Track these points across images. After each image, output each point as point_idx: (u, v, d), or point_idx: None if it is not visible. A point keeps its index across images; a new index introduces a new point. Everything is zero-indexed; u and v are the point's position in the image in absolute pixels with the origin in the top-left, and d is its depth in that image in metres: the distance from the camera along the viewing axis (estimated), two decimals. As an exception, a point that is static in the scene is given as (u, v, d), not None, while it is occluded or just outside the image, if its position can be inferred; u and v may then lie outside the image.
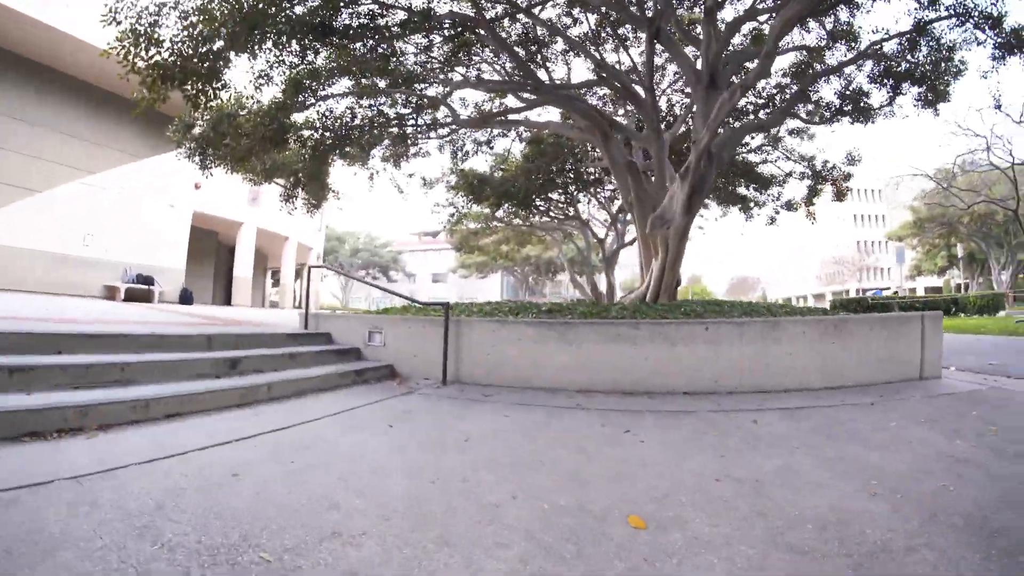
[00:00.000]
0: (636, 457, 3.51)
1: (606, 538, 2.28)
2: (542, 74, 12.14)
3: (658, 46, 10.41)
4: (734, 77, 10.09)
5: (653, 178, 10.83)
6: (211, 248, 24.52)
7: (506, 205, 18.71)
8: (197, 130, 10.81)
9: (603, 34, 12.70)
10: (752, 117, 13.59)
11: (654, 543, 2.25)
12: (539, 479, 3.01)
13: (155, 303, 16.64)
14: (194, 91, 7.59)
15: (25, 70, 15.73)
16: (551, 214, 21.30)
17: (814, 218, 16.83)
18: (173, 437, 3.40)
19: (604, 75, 11.22)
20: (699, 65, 9.31)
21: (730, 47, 10.37)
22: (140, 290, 17.12)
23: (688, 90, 12.36)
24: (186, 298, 18.40)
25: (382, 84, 10.65)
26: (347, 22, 8.80)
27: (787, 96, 12.78)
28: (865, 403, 5.20)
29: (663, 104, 14.62)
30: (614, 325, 6.02)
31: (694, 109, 9.61)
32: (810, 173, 16.17)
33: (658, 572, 2.04)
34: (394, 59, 10.42)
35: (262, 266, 28.03)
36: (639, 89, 11.17)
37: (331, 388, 5.64)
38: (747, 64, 10.94)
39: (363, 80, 10.38)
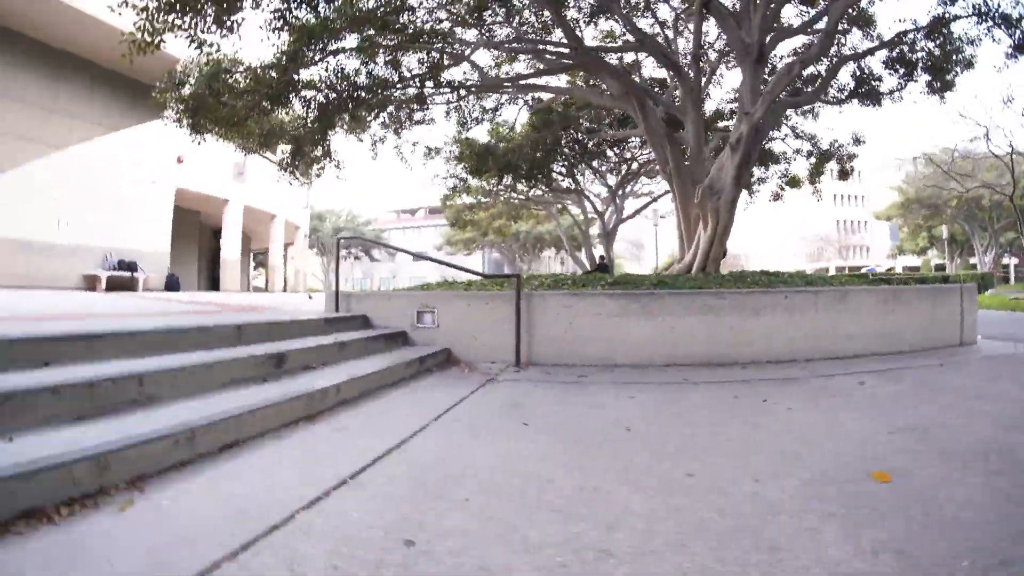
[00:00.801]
0: (803, 423, 3.50)
1: (872, 495, 2.24)
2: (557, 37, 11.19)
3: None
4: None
5: (686, 150, 10.61)
6: (194, 229, 22.91)
7: (508, 177, 18.07)
8: (187, 89, 9.51)
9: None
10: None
11: (911, 487, 2.29)
12: (757, 459, 2.76)
13: (140, 291, 15.29)
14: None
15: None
16: (551, 187, 20.78)
17: (820, 195, 17.84)
18: (249, 486, 2.24)
19: (642, 42, 10.33)
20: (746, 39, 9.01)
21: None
22: (123, 278, 15.60)
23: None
24: (173, 284, 16.97)
25: (392, 41, 9.58)
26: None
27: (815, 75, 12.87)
28: (934, 365, 5.57)
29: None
30: (699, 295, 5.86)
31: (739, 83, 9.63)
32: (815, 151, 16.76)
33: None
34: (407, 13, 9.36)
35: (246, 247, 26.57)
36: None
37: (399, 382, 4.75)
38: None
39: (373, 35, 9.27)
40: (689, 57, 11.48)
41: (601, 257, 21.41)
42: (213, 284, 24.03)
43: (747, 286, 6.51)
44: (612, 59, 13.46)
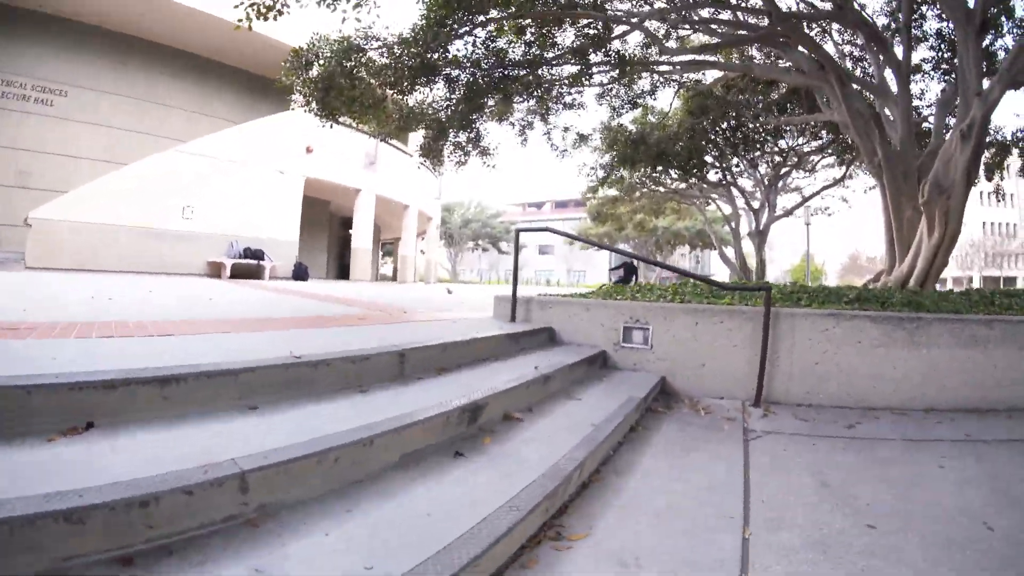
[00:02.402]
0: None
1: None
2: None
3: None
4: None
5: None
6: (323, 218, 22.89)
7: (660, 169, 16.38)
8: (316, 70, 8.54)
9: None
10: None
11: None
12: None
13: (266, 280, 14.92)
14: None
15: (111, 42, 14.82)
16: (704, 179, 18.74)
17: (1000, 194, 15.22)
18: None
19: (841, 7, 8.73)
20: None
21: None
22: (248, 266, 15.28)
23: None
24: (300, 273, 16.59)
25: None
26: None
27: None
28: None
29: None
30: (965, 323, 4.36)
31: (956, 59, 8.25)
32: (995, 140, 13.28)
33: None
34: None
35: (376, 237, 26.48)
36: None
37: (634, 438, 3.41)
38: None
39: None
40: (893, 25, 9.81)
41: (625, 262, 17.53)
42: (342, 272, 24.02)
43: (1002, 309, 4.94)
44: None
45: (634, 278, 16.37)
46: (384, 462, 2.10)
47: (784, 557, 1.92)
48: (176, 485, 1.46)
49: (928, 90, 12.64)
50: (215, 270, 15.03)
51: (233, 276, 14.63)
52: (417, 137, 11.25)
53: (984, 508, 2.37)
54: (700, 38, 11.35)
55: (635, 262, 17.45)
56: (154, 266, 13.77)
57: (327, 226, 23.49)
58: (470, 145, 10.32)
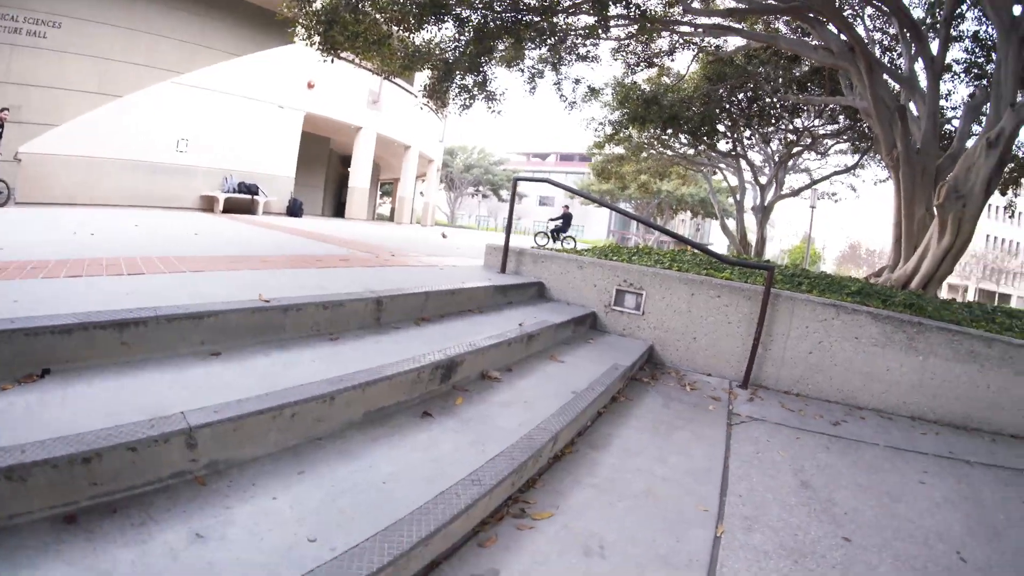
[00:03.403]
0: None
1: None
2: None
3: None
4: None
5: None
6: (323, 156, 22.35)
7: (670, 132, 15.93)
8: (319, 3, 8.15)
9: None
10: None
11: None
12: None
13: (259, 215, 14.67)
14: None
15: None
16: (714, 147, 18.25)
17: (1013, 211, 14.52)
18: None
19: None
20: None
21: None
22: (242, 200, 14.94)
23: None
24: (295, 210, 16.31)
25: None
26: None
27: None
28: None
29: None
30: (965, 337, 4.20)
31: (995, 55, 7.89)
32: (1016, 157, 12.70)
33: None
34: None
35: (374, 177, 25.97)
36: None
37: (616, 407, 3.34)
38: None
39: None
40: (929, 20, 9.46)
41: (565, 207, 18.01)
42: (339, 210, 23.66)
43: (1002, 329, 4.62)
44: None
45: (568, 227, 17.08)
46: (346, 419, 2.04)
47: (755, 563, 1.87)
48: (120, 441, 1.40)
49: (954, 92, 12.26)
50: (208, 204, 14.73)
51: (226, 211, 14.32)
52: (423, 77, 10.83)
53: (962, 536, 2.33)
54: (727, 2, 10.85)
55: (571, 212, 17.57)
56: (147, 199, 13.45)
57: (325, 163, 22.98)
58: (476, 89, 9.97)
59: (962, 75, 11.18)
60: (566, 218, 16.96)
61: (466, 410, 2.45)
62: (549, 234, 16.63)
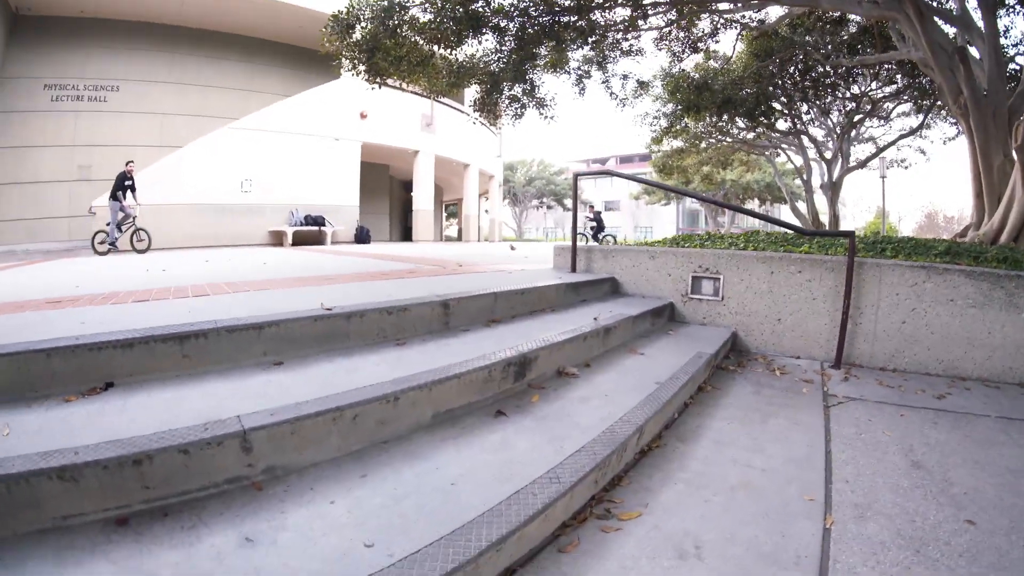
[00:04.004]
0: None
1: None
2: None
3: None
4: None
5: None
6: (383, 182, 22.99)
7: (725, 117, 15.34)
8: (358, 33, 8.30)
9: None
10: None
11: None
12: None
13: (327, 244, 15.16)
14: None
15: (158, 33, 15.36)
16: (772, 127, 17.54)
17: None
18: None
19: None
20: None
21: None
22: (310, 232, 15.53)
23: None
24: (363, 237, 16.77)
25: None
26: None
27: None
28: None
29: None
30: None
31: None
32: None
33: None
34: None
35: (438, 198, 26.43)
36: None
37: (702, 398, 3.09)
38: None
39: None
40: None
41: (595, 209, 18.29)
42: (406, 235, 24.23)
43: None
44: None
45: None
46: (413, 422, 1.93)
47: (872, 555, 1.61)
48: (171, 443, 1.33)
49: (1012, 27, 11.15)
50: (277, 239, 15.38)
51: (295, 243, 14.92)
52: (471, 93, 10.90)
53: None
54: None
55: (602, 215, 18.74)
56: (217, 240, 14.19)
57: (387, 190, 23.63)
58: (526, 97, 9.91)
59: (1017, 7, 10.17)
60: (598, 218, 17.72)
61: (542, 408, 2.29)
62: (589, 236, 16.82)
